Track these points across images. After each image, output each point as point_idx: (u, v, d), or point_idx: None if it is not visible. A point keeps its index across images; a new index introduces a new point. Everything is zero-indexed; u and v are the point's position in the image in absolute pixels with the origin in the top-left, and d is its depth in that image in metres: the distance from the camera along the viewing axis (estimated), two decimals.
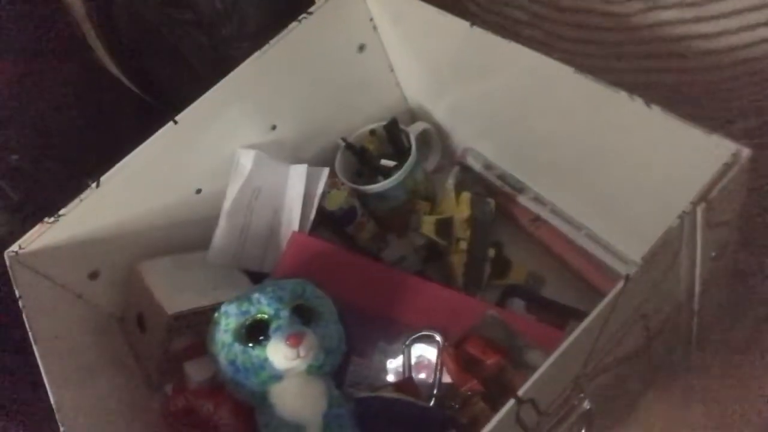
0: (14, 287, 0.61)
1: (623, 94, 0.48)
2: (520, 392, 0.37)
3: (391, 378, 0.64)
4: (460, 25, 0.61)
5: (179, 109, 0.66)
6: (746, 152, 0.41)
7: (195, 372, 0.66)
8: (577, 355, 0.40)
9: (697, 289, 0.47)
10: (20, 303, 0.60)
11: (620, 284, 0.38)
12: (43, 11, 0.73)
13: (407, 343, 0.64)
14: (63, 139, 0.78)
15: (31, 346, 0.58)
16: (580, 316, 0.66)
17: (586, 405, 0.43)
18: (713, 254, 0.44)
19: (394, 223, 0.77)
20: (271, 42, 0.66)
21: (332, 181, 0.73)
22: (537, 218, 0.71)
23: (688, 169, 0.41)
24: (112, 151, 0.64)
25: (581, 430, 0.45)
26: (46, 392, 0.55)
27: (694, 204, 0.40)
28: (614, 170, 0.55)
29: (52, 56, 0.75)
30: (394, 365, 0.65)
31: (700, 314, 0.50)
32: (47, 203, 0.63)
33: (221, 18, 0.73)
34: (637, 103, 0.47)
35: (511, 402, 0.37)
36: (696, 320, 0.51)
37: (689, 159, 0.41)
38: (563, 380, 0.41)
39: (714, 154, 0.41)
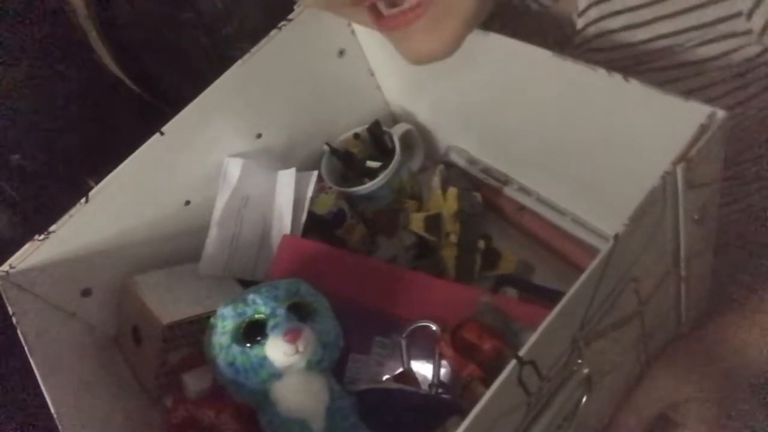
0: (8, 307, 0.61)
1: (601, 71, 0.49)
2: (522, 352, 0.38)
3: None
4: None
5: (179, 108, 0.66)
6: (721, 114, 0.43)
7: (193, 382, 0.66)
8: (574, 314, 0.40)
9: (683, 253, 0.48)
10: (14, 320, 0.60)
11: (610, 243, 0.39)
12: (44, 11, 0.74)
13: (404, 335, 0.64)
14: (64, 139, 0.78)
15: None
16: None
17: (585, 370, 0.44)
18: (696, 217, 0.46)
19: (383, 224, 0.78)
20: (253, 50, 0.68)
21: (320, 186, 0.74)
22: (522, 207, 0.72)
23: (668, 137, 0.43)
24: (113, 150, 0.64)
25: (582, 397, 0.46)
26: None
27: (675, 164, 0.41)
28: (596, 151, 0.57)
29: (53, 56, 0.75)
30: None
31: (687, 281, 0.51)
32: (48, 203, 0.63)
33: (222, 17, 0.74)
34: (616, 79, 0.48)
35: (513, 362, 0.38)
36: (684, 287, 0.52)
37: (668, 127, 0.43)
38: (561, 342, 0.41)
39: (691, 118, 0.43)
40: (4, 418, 0.74)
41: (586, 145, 0.57)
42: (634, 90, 0.47)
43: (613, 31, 0.57)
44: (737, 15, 0.52)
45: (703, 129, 0.43)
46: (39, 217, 0.63)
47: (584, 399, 0.46)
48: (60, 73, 0.77)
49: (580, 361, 0.43)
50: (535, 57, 0.54)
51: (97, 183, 0.64)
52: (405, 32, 0.56)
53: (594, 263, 0.38)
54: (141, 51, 0.78)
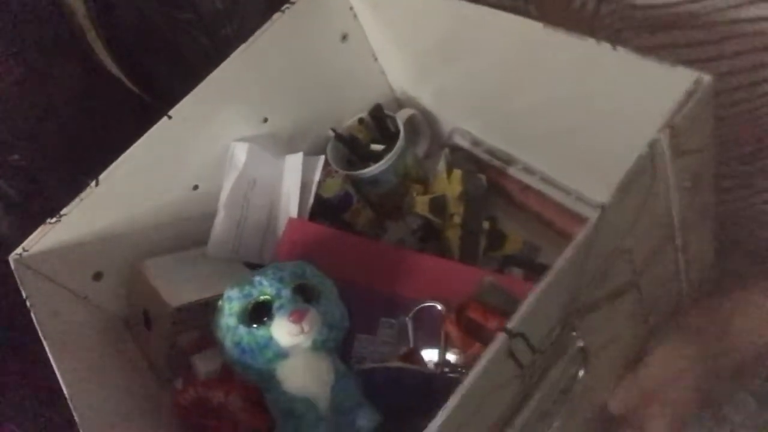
0: (21, 289, 0.63)
1: (590, 41, 0.49)
2: (510, 324, 0.38)
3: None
4: (438, 2, 0.63)
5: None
6: (707, 78, 0.42)
7: (203, 364, 0.67)
8: (563, 287, 0.40)
9: (677, 222, 0.48)
10: (28, 303, 0.61)
11: (597, 213, 0.39)
12: (43, 10, 0.74)
13: (410, 315, 0.65)
14: (63, 138, 0.78)
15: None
16: None
17: (580, 343, 0.44)
18: (687, 184, 0.46)
19: (389, 208, 0.78)
20: (256, 33, 0.68)
21: (326, 170, 0.75)
22: (527, 187, 0.72)
23: (657, 105, 0.43)
24: (111, 150, 0.65)
25: (579, 371, 0.46)
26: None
27: (660, 131, 0.41)
28: (594, 124, 0.56)
29: (51, 55, 0.75)
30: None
31: (685, 251, 0.51)
32: (47, 202, 0.64)
33: (221, 18, 0.75)
34: (603, 47, 0.48)
35: (502, 335, 0.38)
36: (682, 257, 0.52)
37: (657, 94, 0.43)
38: (552, 314, 0.42)
39: (679, 84, 0.43)
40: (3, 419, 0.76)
41: (584, 120, 0.57)
42: (622, 57, 0.47)
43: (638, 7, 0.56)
44: None
45: (688, 95, 0.42)
46: (38, 217, 0.64)
47: (581, 373, 0.46)
48: (59, 72, 0.77)
49: (574, 333, 0.43)
50: (534, 32, 0.54)
51: (97, 183, 0.65)
52: None
53: (581, 234, 0.38)
54: (140, 51, 0.78)
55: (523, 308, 0.38)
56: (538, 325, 0.40)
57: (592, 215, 0.39)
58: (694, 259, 0.54)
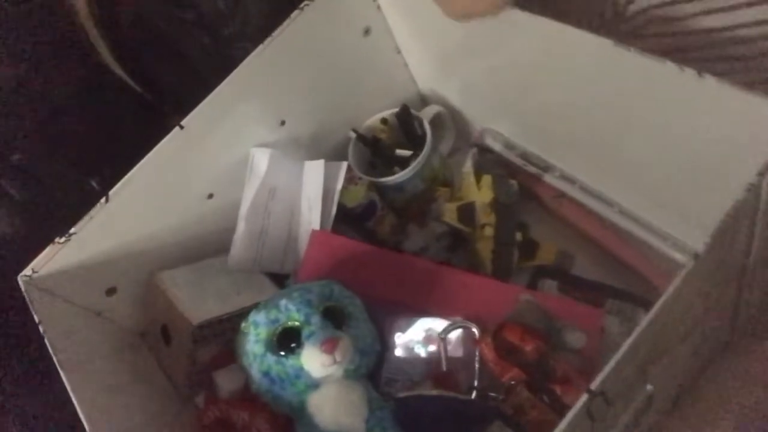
0: (32, 312, 0.59)
1: (670, 65, 0.45)
2: (593, 386, 0.35)
3: (399, 352, 0.62)
4: None
5: (181, 108, 0.63)
6: None
7: (225, 381, 0.64)
8: (646, 342, 0.38)
9: (752, 263, 0.45)
10: (40, 328, 0.58)
11: (689, 264, 0.36)
12: (46, 11, 0.71)
13: (442, 335, 0.62)
14: (65, 138, 0.76)
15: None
16: (615, 293, 0.65)
17: (649, 388, 0.41)
18: None
19: (413, 213, 0.75)
20: (274, 33, 0.63)
21: (348, 176, 0.70)
22: (561, 195, 0.68)
23: (746, 140, 0.39)
24: (114, 150, 0.62)
25: (642, 414, 0.44)
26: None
27: (762, 174, 0.37)
28: (656, 145, 0.52)
29: (54, 56, 0.73)
30: (403, 340, 0.63)
31: (750, 290, 0.48)
32: (49, 202, 0.62)
33: (224, 18, 0.72)
34: (688, 74, 0.44)
35: (585, 396, 0.35)
36: (744, 296, 0.49)
37: (746, 130, 0.39)
38: (631, 368, 0.39)
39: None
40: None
41: (643, 138, 0.53)
42: (709, 87, 0.43)
43: (665, 19, 0.52)
44: None
45: None
46: (40, 217, 0.61)
47: (645, 417, 0.44)
48: (61, 72, 0.74)
49: (645, 379, 0.41)
50: (589, 45, 0.50)
51: (98, 183, 0.62)
52: None
53: (672, 286, 0.35)
54: (142, 50, 0.76)
55: (608, 368, 0.35)
56: (618, 381, 0.38)
57: (686, 264, 0.35)
58: (753, 296, 0.51)
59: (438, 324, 0.61)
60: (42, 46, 0.71)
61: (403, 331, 0.63)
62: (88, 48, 0.72)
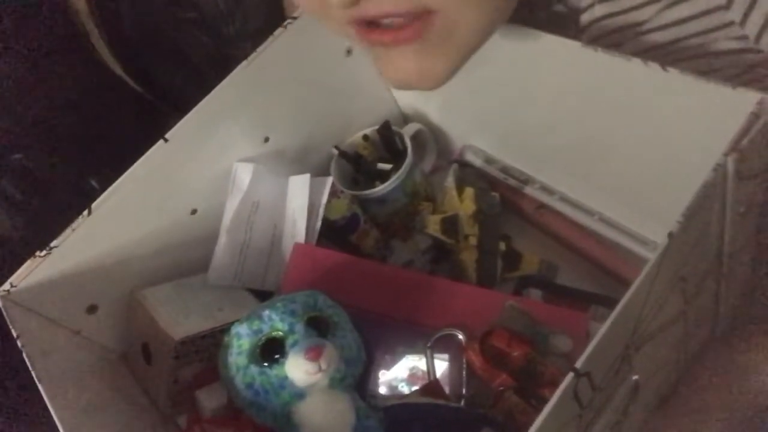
0: (11, 328, 0.58)
1: (636, 61, 0.47)
2: (578, 364, 0.35)
3: (383, 390, 0.62)
4: None
5: (180, 108, 0.64)
6: None
7: (208, 400, 0.63)
8: (628, 320, 0.38)
9: (726, 249, 0.46)
10: (19, 343, 0.57)
11: (665, 242, 0.36)
12: (46, 10, 0.72)
13: (429, 344, 0.61)
14: (66, 137, 0.76)
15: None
16: (599, 300, 0.65)
17: (634, 376, 0.42)
18: (742, 209, 0.44)
19: (396, 228, 0.75)
20: (258, 50, 0.65)
21: (331, 190, 0.71)
22: (542, 206, 0.69)
23: (711, 128, 0.40)
24: (114, 149, 0.62)
25: (628, 405, 0.44)
26: None
27: (726, 155, 0.39)
28: (628, 145, 0.54)
29: (54, 55, 0.74)
30: (387, 377, 0.62)
31: (728, 279, 0.49)
32: (50, 202, 0.61)
33: (224, 17, 0.73)
34: (653, 68, 0.46)
35: (570, 375, 0.35)
36: (724, 285, 0.50)
37: (712, 118, 0.41)
38: (615, 349, 0.39)
39: (739, 107, 0.41)
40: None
41: (616, 140, 0.55)
42: (674, 80, 0.45)
43: (619, 29, 0.54)
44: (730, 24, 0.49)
45: (753, 117, 0.40)
46: (41, 217, 0.60)
47: (631, 408, 0.44)
48: (61, 72, 0.75)
49: (630, 367, 0.41)
50: (558, 48, 0.52)
51: (98, 183, 0.61)
52: (389, 51, 0.49)
53: (648, 265, 0.36)
54: (142, 50, 0.76)
55: (591, 346, 0.35)
56: (602, 361, 0.38)
57: (661, 242, 0.36)
58: (732, 286, 0.52)
59: (422, 363, 0.61)
60: (42, 46, 0.71)
61: (388, 368, 0.63)
62: (88, 48, 0.73)
